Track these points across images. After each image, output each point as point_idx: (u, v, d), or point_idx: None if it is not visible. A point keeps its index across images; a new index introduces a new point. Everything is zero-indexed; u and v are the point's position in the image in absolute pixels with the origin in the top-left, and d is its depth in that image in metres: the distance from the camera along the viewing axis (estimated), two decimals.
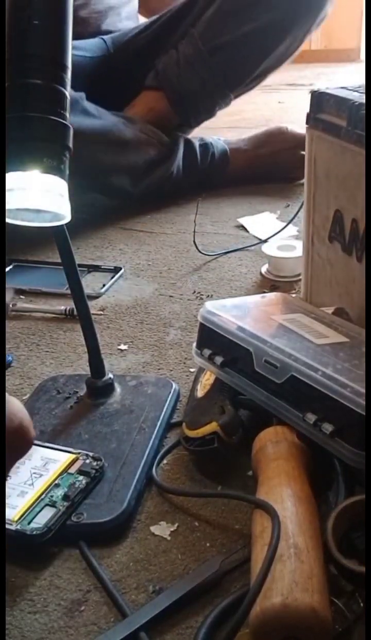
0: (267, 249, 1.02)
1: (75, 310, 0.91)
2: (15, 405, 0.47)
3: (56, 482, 0.60)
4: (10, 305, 0.95)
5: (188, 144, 1.35)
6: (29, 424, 0.47)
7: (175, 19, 1.36)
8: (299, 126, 1.36)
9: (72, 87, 0.56)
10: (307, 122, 0.73)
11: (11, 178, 0.54)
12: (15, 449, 0.46)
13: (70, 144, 0.56)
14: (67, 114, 0.56)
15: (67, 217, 0.57)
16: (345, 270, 0.73)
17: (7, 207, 0.55)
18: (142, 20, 1.52)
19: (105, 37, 1.42)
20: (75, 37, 0.57)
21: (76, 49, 1.26)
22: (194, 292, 0.99)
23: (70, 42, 0.56)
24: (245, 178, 1.38)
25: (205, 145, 1.36)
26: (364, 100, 0.66)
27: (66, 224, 0.59)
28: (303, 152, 0.76)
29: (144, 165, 1.27)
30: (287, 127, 1.39)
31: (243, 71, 1.32)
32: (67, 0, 0.55)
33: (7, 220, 0.56)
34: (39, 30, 0.54)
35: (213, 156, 1.37)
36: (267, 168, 1.39)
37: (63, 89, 0.55)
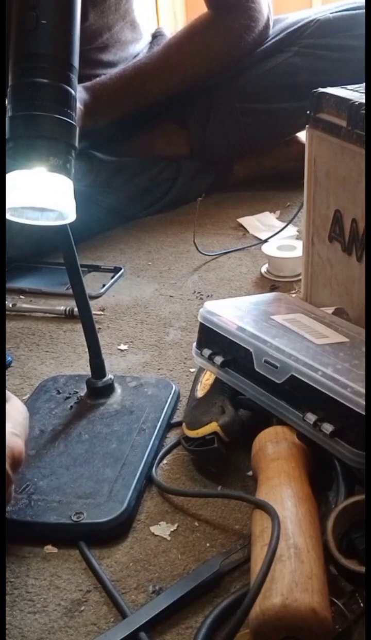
0: (266, 249, 1.02)
1: (75, 310, 0.92)
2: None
3: None
4: (10, 305, 0.95)
5: None
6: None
7: None
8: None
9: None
10: (307, 122, 0.73)
11: (17, 176, 0.54)
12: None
13: (76, 143, 0.56)
14: (74, 113, 0.56)
15: (71, 216, 0.57)
16: (345, 270, 0.73)
17: (12, 205, 0.55)
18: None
19: None
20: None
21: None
22: (194, 292, 0.99)
23: (77, 42, 0.56)
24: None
25: None
26: (364, 100, 0.66)
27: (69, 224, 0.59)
28: None
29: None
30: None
31: (267, 138, 1.32)
32: (75, 1, 0.56)
33: (12, 218, 0.57)
34: (47, 30, 0.54)
35: None
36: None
37: (70, 89, 0.55)
